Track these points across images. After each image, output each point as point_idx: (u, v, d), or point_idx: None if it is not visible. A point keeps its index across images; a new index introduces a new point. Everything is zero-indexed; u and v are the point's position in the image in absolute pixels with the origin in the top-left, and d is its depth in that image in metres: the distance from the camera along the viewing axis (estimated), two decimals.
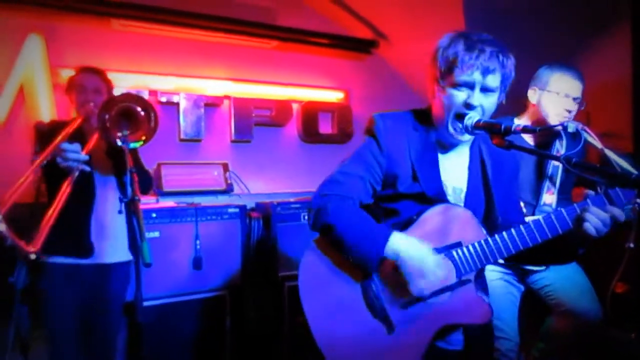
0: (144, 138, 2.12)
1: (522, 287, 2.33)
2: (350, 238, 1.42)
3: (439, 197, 1.52)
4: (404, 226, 1.50)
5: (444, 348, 1.51)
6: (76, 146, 2.05)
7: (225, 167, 3.76)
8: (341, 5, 4.18)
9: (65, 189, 2.02)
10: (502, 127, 1.37)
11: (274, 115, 4.07)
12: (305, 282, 1.50)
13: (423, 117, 1.61)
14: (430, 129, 1.58)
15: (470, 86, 1.43)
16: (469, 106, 1.44)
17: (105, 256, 2.35)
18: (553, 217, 1.41)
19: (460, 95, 1.45)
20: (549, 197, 2.25)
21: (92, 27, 3.47)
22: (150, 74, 3.63)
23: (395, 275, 1.42)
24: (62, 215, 2.18)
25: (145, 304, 2.60)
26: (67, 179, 2.06)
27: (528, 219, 2.15)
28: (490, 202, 1.60)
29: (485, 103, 1.45)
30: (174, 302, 2.91)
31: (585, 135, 2.08)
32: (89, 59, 3.38)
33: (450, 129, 1.49)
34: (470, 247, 1.46)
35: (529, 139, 2.32)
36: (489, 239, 1.45)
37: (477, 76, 1.42)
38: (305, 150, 4.28)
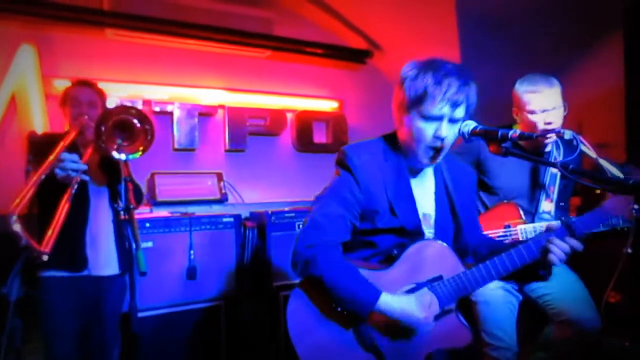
0: (141, 149, 2.12)
1: (520, 296, 2.32)
2: (339, 293, 1.45)
3: (416, 229, 1.59)
4: (386, 261, 1.57)
5: None
6: (75, 156, 2.05)
7: (220, 176, 3.74)
8: (335, 16, 4.21)
9: (67, 198, 2.01)
10: (499, 134, 1.37)
11: (268, 125, 4.07)
12: (295, 325, 1.52)
13: (392, 143, 1.65)
14: (400, 157, 1.62)
15: (439, 118, 1.47)
16: (439, 138, 1.49)
17: (100, 269, 2.34)
18: (522, 249, 1.53)
19: (430, 128, 1.49)
20: (548, 205, 2.26)
21: (85, 37, 3.46)
22: (144, 83, 3.62)
23: (387, 324, 1.49)
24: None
25: (140, 314, 2.57)
26: (62, 189, 2.05)
27: (526, 226, 2.18)
28: (457, 224, 1.68)
29: (452, 132, 1.51)
30: (168, 312, 2.87)
31: (581, 145, 2.09)
32: (82, 69, 3.39)
33: (422, 159, 1.55)
34: (451, 280, 1.55)
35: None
36: (467, 272, 1.55)
37: (446, 110, 1.45)
38: (300, 159, 4.28)
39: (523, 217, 2.20)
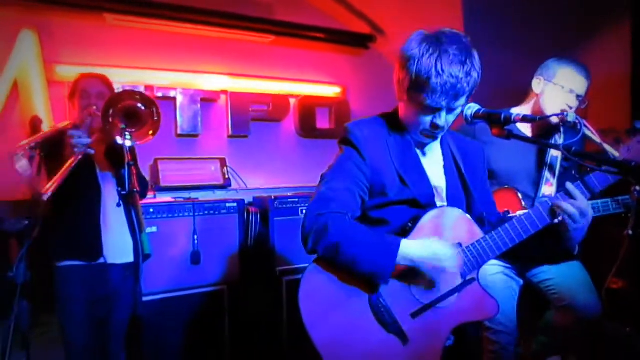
0: (151, 132, 2.15)
1: (521, 281, 2.33)
2: (359, 252, 1.37)
3: (430, 200, 1.53)
4: (401, 234, 1.48)
5: None
6: (81, 132, 2.14)
7: (223, 162, 3.75)
8: (338, 0, 4.16)
9: (75, 158, 2.08)
10: (502, 116, 1.37)
11: (271, 111, 4.06)
12: (310, 309, 1.42)
13: (393, 120, 1.60)
14: (404, 131, 1.58)
15: (438, 109, 1.44)
16: (435, 126, 1.46)
17: (116, 257, 2.37)
18: (531, 212, 1.48)
19: (427, 117, 1.46)
20: (548, 189, 2.25)
21: (86, 22, 3.44)
22: (146, 69, 3.61)
23: (413, 275, 1.42)
24: (71, 218, 2.21)
25: (144, 298, 2.60)
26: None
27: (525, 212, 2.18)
28: (469, 197, 1.63)
29: (450, 120, 1.48)
30: (172, 297, 2.90)
31: (584, 129, 2.08)
32: (83, 55, 3.38)
33: (419, 139, 1.53)
34: (471, 247, 1.48)
35: (527, 130, 2.31)
36: (487, 237, 1.48)
37: (444, 102, 1.42)
38: (303, 145, 4.27)
39: (523, 202, 2.20)
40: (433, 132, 1.49)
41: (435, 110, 1.44)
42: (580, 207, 1.41)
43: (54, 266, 2.30)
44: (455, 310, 1.47)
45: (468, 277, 1.48)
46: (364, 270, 1.38)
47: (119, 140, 2.03)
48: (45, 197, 1.92)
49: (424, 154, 1.62)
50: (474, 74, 1.41)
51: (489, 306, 1.50)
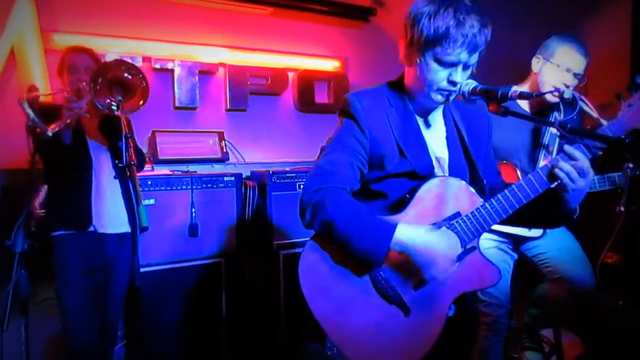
0: (141, 102, 2.15)
1: (515, 255, 2.36)
2: (354, 233, 1.36)
3: (429, 172, 1.52)
4: (399, 206, 1.48)
5: None
6: (73, 97, 2.20)
7: (221, 135, 3.74)
8: None
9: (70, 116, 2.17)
10: (499, 93, 1.36)
11: (270, 84, 4.02)
12: (310, 283, 1.42)
13: (396, 89, 1.58)
14: (406, 101, 1.55)
15: (455, 64, 1.41)
16: (452, 83, 1.43)
17: (107, 227, 2.40)
18: (531, 176, 1.45)
19: (443, 73, 1.43)
20: None
21: None
22: (144, 39, 3.56)
23: (404, 264, 1.41)
24: (62, 189, 2.24)
25: (142, 270, 2.62)
26: (64, 150, 2.25)
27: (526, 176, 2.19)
28: (472, 167, 1.61)
29: (465, 77, 1.46)
30: (169, 268, 2.93)
31: (581, 104, 2.08)
32: (81, 24, 3.33)
33: (435, 99, 1.48)
34: (470, 215, 1.46)
35: (525, 106, 2.32)
36: (486, 204, 1.46)
37: (463, 55, 1.39)
38: (301, 119, 4.25)
39: (521, 177, 2.21)
40: (450, 89, 1.45)
41: (451, 66, 1.42)
42: (581, 167, 1.37)
43: (50, 235, 2.33)
44: (456, 279, 1.46)
45: (468, 246, 1.47)
46: (357, 252, 1.37)
47: (116, 111, 2.04)
48: (50, 134, 2.06)
49: (426, 124, 1.60)
50: (489, 27, 1.40)
51: (490, 274, 1.49)
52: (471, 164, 1.61)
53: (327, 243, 1.45)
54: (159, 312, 2.85)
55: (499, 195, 1.45)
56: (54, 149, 2.20)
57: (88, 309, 2.34)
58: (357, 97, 1.53)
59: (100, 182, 2.38)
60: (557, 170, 1.39)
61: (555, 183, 1.41)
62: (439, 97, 1.48)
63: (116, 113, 2.07)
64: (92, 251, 2.36)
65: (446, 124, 1.63)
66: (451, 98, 1.48)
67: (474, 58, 1.43)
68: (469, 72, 1.47)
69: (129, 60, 2.39)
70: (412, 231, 1.38)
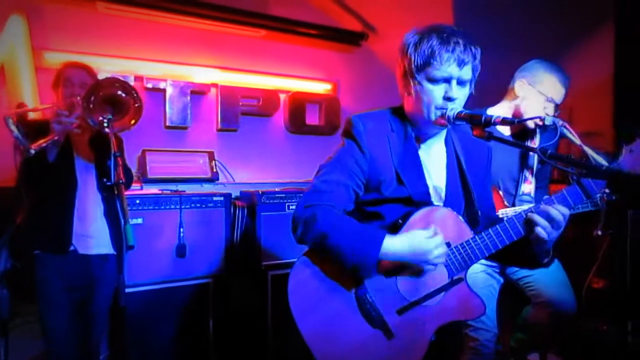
0: (132, 122, 2.15)
1: (501, 280, 2.37)
2: (344, 244, 1.39)
3: (424, 199, 1.53)
4: (392, 231, 1.49)
5: None
6: (66, 112, 2.19)
7: (211, 155, 3.74)
8: None
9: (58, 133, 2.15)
10: (483, 118, 1.39)
11: (261, 105, 4.05)
12: (299, 302, 1.46)
13: (398, 115, 1.60)
14: (408, 127, 1.58)
15: (447, 80, 1.44)
16: (449, 99, 1.45)
17: (90, 248, 2.36)
18: (507, 222, 1.47)
19: (439, 90, 1.45)
20: (527, 187, 2.31)
21: (77, 9, 3.40)
22: (136, 59, 3.59)
23: (402, 268, 1.45)
24: (43, 209, 2.22)
25: (128, 290, 2.59)
26: (49, 170, 2.20)
27: (507, 210, 2.22)
28: (469, 198, 1.62)
29: (461, 95, 1.48)
30: (157, 289, 2.89)
31: (565, 131, 2.12)
32: (73, 42, 3.35)
33: (433, 117, 1.48)
34: (460, 247, 1.49)
35: (505, 130, 2.35)
36: (476, 237, 1.49)
37: (453, 69, 1.42)
38: (292, 141, 4.28)
39: (505, 200, 2.25)
40: (447, 107, 1.46)
41: (445, 82, 1.45)
42: (558, 221, 1.39)
43: (31, 254, 2.28)
44: (441, 309, 1.49)
45: (456, 277, 1.49)
46: (348, 261, 1.40)
47: (107, 129, 2.04)
48: (32, 152, 2.05)
49: (426, 151, 1.61)
50: (477, 47, 1.45)
51: (475, 306, 1.51)
52: (468, 193, 1.62)
53: (318, 258, 1.48)
54: (145, 333, 2.80)
55: (489, 230, 1.49)
56: (36, 167, 2.18)
57: (70, 327, 2.29)
58: (360, 119, 1.55)
59: (84, 203, 2.34)
60: (534, 226, 1.41)
61: (533, 231, 1.43)
62: (439, 117, 1.48)
63: (106, 130, 2.06)
64: (74, 271, 2.31)
65: (447, 153, 1.65)
66: (452, 117, 1.46)
67: (467, 73, 1.45)
68: (466, 89, 1.49)
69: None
70: (399, 239, 1.42)
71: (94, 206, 2.36)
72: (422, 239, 1.41)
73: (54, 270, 2.27)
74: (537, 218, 1.40)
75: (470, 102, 1.56)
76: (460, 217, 1.53)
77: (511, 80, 2.34)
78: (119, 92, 2.15)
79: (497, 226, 1.48)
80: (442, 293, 1.48)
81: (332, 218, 1.44)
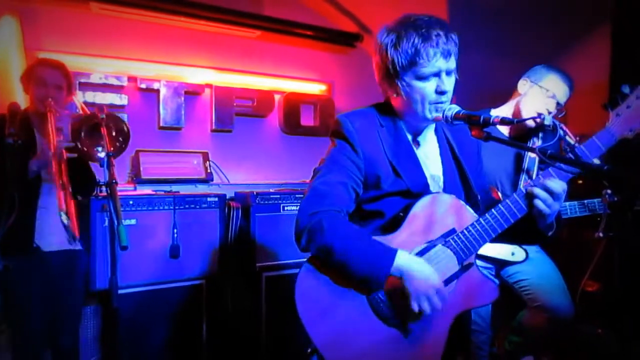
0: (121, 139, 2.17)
1: (497, 282, 2.37)
2: (353, 258, 1.35)
3: (423, 190, 1.51)
4: (394, 225, 1.47)
5: None
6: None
7: (205, 156, 3.73)
8: None
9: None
10: (481, 118, 1.38)
11: (256, 106, 4.04)
12: (308, 309, 1.40)
13: (385, 110, 1.58)
14: (397, 121, 1.56)
15: (437, 74, 1.43)
16: (441, 93, 1.44)
17: (49, 244, 2.35)
18: (511, 199, 1.45)
19: (430, 86, 1.44)
20: None
21: (71, 10, 3.39)
22: (130, 59, 3.57)
23: (400, 289, 1.39)
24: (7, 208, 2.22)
25: (121, 291, 2.57)
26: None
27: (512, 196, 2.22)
28: (466, 183, 1.61)
29: (451, 83, 1.47)
30: (150, 290, 2.87)
31: (560, 132, 2.12)
32: (66, 43, 3.33)
33: (428, 115, 1.47)
34: (465, 232, 1.46)
35: (505, 131, 2.36)
36: (480, 219, 1.46)
37: (441, 63, 1.41)
38: (286, 141, 4.27)
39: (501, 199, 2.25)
40: (441, 100, 1.45)
41: (434, 77, 1.43)
42: (557, 193, 1.38)
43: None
44: (455, 297, 1.44)
45: (465, 263, 1.46)
46: (357, 276, 1.36)
47: (103, 156, 2.04)
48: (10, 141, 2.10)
49: (418, 143, 1.60)
50: (453, 32, 1.43)
51: (489, 290, 1.48)
52: (465, 179, 1.61)
53: (323, 266, 1.43)
54: (138, 335, 2.78)
55: (493, 210, 1.46)
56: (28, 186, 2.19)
57: (41, 328, 2.28)
58: (348, 118, 1.53)
59: (47, 200, 2.31)
60: (534, 200, 1.40)
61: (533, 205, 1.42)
62: (434, 112, 1.47)
63: (100, 155, 2.06)
64: (36, 270, 2.29)
65: (439, 142, 1.64)
66: (445, 108, 1.46)
67: (452, 62, 1.44)
68: (452, 78, 1.48)
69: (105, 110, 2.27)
70: (412, 260, 1.37)
71: (54, 204, 2.30)
72: (431, 272, 1.36)
73: (20, 274, 2.26)
74: (537, 191, 1.40)
75: (466, 104, 1.55)
76: (462, 202, 1.51)
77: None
78: (102, 123, 2.12)
79: (500, 205, 1.46)
80: (455, 281, 1.44)
81: (339, 228, 1.39)
